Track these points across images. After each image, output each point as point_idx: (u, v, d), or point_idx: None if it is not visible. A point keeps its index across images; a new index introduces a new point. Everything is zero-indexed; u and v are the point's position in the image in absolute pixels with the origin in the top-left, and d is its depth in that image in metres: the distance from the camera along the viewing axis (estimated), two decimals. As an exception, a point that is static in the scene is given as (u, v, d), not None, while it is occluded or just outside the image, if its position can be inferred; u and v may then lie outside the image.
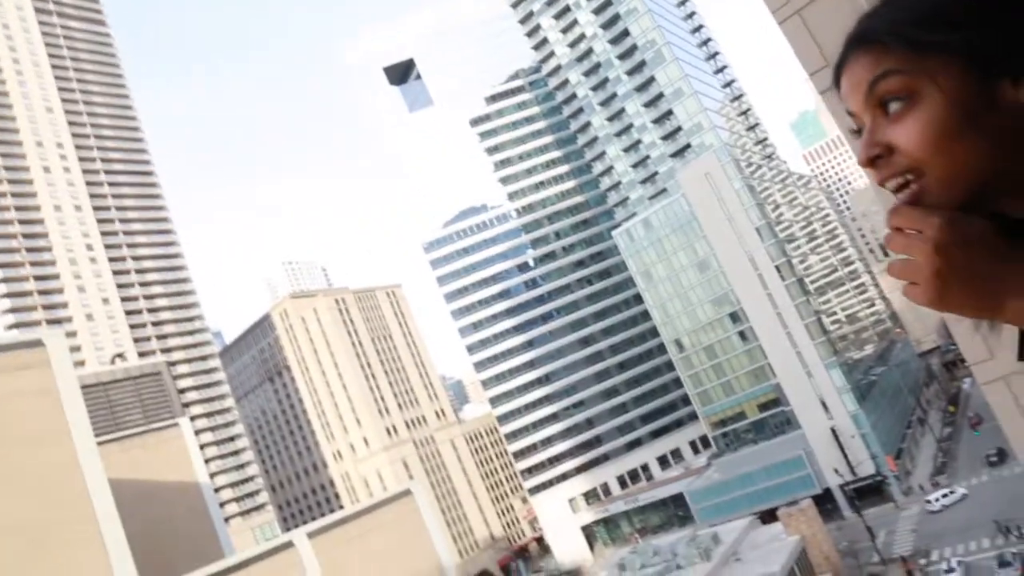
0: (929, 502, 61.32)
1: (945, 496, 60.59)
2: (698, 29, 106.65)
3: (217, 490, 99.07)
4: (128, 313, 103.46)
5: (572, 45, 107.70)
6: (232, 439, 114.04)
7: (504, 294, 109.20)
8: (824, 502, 67.99)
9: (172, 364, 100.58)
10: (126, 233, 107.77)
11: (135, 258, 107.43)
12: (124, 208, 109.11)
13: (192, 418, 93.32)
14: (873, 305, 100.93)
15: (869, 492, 69.45)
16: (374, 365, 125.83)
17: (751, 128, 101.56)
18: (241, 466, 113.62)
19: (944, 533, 55.58)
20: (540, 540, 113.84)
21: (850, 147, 0.94)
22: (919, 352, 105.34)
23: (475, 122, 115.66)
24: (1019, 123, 0.80)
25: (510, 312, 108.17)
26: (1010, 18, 0.82)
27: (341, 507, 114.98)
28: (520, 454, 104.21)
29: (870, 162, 0.87)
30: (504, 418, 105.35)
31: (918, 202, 0.85)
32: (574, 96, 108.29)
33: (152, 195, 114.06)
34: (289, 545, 40.29)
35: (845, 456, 70.97)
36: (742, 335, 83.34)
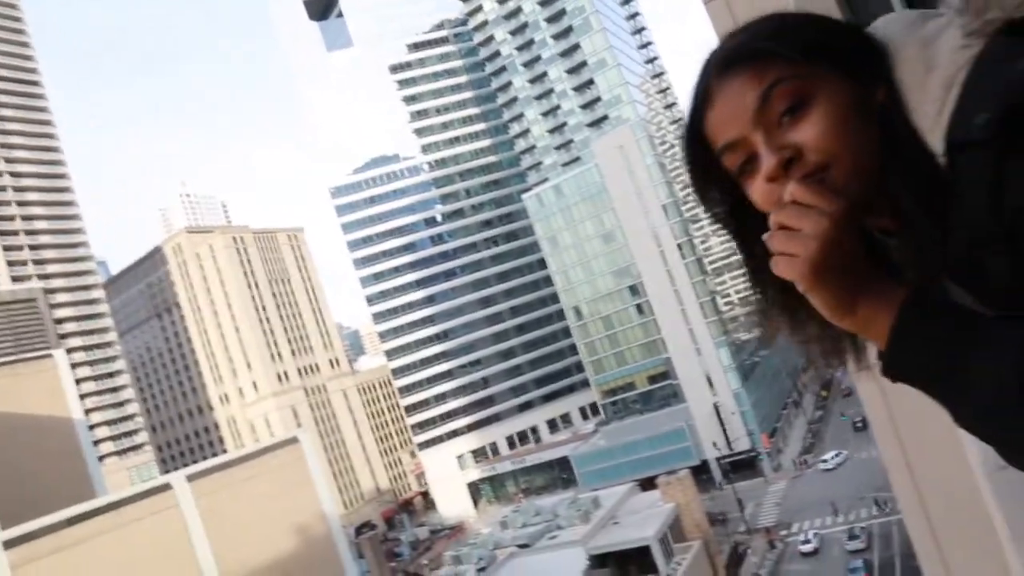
0: (825, 461, 67.23)
1: (836, 456, 66.74)
2: (627, 2, 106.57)
3: (92, 427, 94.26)
4: (2, 233, 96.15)
5: (501, 2, 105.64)
6: (112, 375, 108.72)
7: (409, 247, 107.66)
8: (701, 473, 70.88)
9: (50, 292, 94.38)
10: (4, 146, 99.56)
11: (13, 174, 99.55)
12: (2, 119, 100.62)
13: (69, 350, 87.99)
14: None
15: (743, 466, 72.88)
16: (269, 309, 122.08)
17: (669, 107, 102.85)
18: (120, 404, 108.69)
19: (804, 508, 59.07)
20: (426, 495, 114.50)
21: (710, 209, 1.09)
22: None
23: (395, 69, 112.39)
24: (885, 129, 0.82)
25: (414, 266, 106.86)
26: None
27: (225, 451, 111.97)
28: (412, 408, 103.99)
29: (782, 167, 0.85)
30: (399, 372, 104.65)
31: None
32: (498, 54, 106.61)
33: (37, 107, 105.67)
34: (166, 487, 38.64)
35: (724, 431, 74.11)
36: (639, 308, 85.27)
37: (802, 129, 0.84)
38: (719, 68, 0.90)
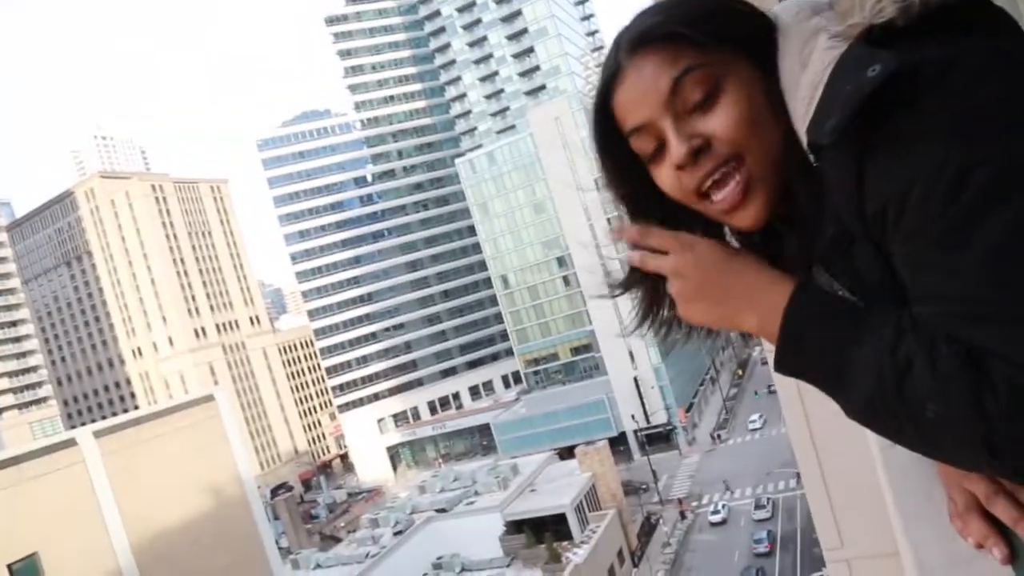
0: (753, 421, 72.14)
1: (760, 419, 71.80)
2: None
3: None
4: None
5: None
6: (15, 324, 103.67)
7: (337, 206, 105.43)
8: (618, 444, 72.46)
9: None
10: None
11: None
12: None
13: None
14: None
15: (659, 439, 74.87)
16: (188, 262, 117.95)
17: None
18: (23, 354, 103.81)
19: (715, 480, 61.27)
20: (344, 457, 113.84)
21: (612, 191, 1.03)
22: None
23: (331, 21, 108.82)
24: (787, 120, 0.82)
25: (340, 225, 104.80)
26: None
27: (136, 408, 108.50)
28: (334, 370, 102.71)
29: (692, 155, 0.85)
30: (321, 332, 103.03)
31: (748, 189, 0.86)
32: (438, 14, 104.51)
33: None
34: (71, 443, 37.00)
35: (643, 404, 75.87)
36: (566, 280, 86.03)
37: (712, 118, 0.83)
38: (631, 47, 0.88)
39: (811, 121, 0.73)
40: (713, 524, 54.54)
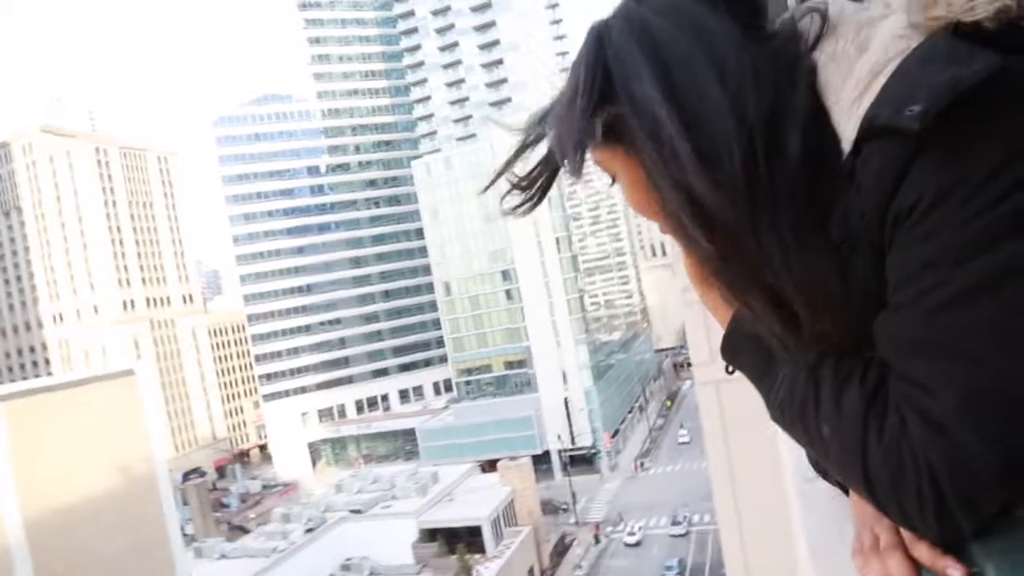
0: (683, 433, 77.55)
1: (685, 433, 77.07)
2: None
3: None
4: None
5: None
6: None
7: (287, 192, 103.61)
8: (541, 462, 72.64)
9: None
10: None
11: None
12: None
13: None
14: (630, 297, 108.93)
15: (581, 461, 75.32)
16: (125, 231, 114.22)
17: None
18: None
19: (633, 508, 61.95)
20: (264, 448, 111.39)
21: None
22: (656, 348, 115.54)
23: (304, 6, 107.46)
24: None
25: (288, 213, 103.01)
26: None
27: (51, 375, 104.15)
28: (263, 358, 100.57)
29: None
30: (255, 318, 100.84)
31: None
32: (412, 14, 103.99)
33: None
34: (-29, 404, 35.35)
35: (570, 425, 76.33)
36: (508, 294, 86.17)
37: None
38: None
39: (878, 105, 0.70)
40: (628, 545, 55.35)
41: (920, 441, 0.64)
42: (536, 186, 1.00)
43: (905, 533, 0.77)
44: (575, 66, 0.85)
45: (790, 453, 1.18)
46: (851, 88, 0.75)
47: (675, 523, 55.40)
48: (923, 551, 0.74)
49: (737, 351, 0.90)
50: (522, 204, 1.01)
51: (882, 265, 0.71)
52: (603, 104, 0.79)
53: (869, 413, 0.68)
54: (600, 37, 0.81)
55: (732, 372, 0.98)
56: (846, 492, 0.92)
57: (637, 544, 55.13)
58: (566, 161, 0.84)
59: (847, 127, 0.74)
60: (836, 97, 0.76)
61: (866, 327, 0.73)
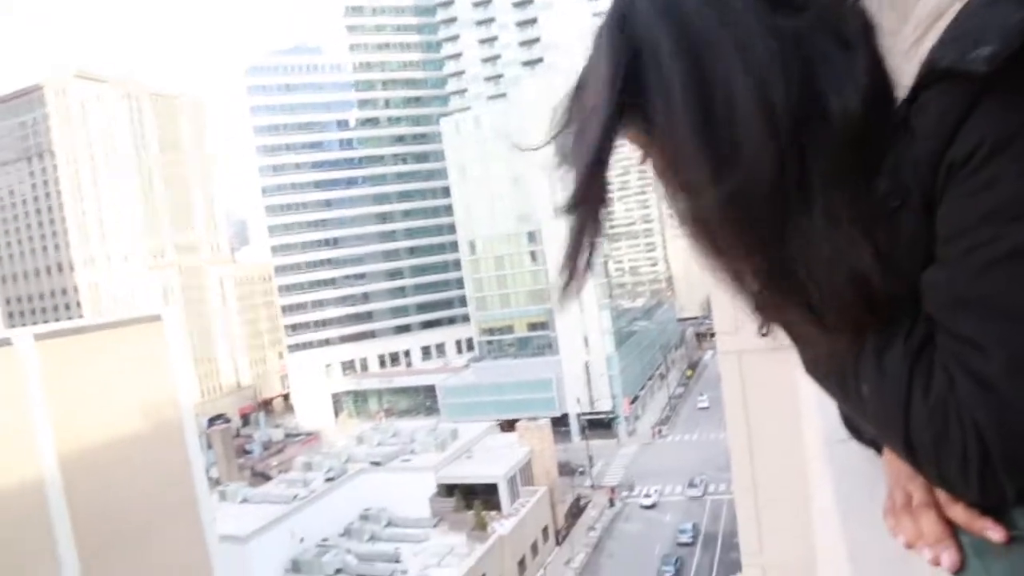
0: (702, 398, 79.51)
1: (704, 399, 78.80)
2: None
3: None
4: None
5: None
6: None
7: (316, 145, 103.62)
8: (559, 425, 73.14)
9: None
10: None
11: None
12: None
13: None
14: (656, 264, 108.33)
15: (600, 425, 75.76)
16: (156, 177, 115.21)
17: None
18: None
19: (647, 474, 62.42)
20: (287, 398, 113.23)
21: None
22: (679, 317, 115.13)
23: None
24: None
25: (316, 166, 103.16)
26: None
27: (81, 317, 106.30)
28: (289, 310, 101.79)
29: None
30: (282, 270, 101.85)
31: None
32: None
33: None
34: (6, 342, 36.14)
35: (590, 389, 76.67)
36: (533, 255, 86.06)
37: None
38: None
39: (941, 46, 0.66)
40: (643, 507, 56.39)
41: (968, 400, 0.62)
42: (580, 262, 0.91)
43: (940, 492, 0.75)
44: (597, 45, 0.80)
45: (819, 414, 1.16)
46: (909, 32, 0.72)
47: (691, 485, 56.93)
48: (958, 511, 0.72)
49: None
50: (570, 283, 0.90)
51: (931, 219, 0.68)
52: (628, 88, 0.74)
53: (914, 371, 0.65)
54: (623, 15, 0.75)
55: (766, 333, 0.92)
56: (879, 451, 0.90)
57: (652, 506, 56.16)
58: (592, 151, 0.80)
59: (904, 72, 0.71)
60: (892, 42, 0.73)
61: (914, 284, 0.70)
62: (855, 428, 0.92)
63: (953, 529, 0.73)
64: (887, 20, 0.74)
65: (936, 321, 0.66)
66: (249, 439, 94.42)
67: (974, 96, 0.62)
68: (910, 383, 0.65)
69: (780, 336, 0.81)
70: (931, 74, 0.66)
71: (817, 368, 0.76)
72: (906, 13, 0.73)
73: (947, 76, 0.64)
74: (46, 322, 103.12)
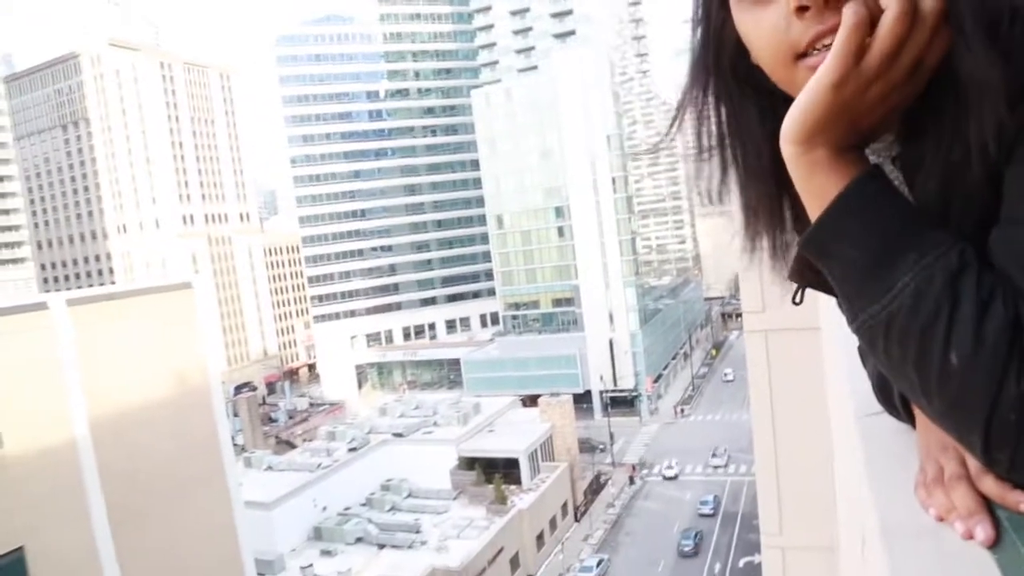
0: (728, 372, 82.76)
1: (729, 372, 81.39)
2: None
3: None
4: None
5: None
6: (1, 180, 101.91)
7: (345, 116, 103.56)
8: (582, 401, 73.28)
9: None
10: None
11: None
12: None
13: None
14: (683, 243, 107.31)
15: (622, 403, 75.74)
16: (187, 147, 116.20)
17: (637, 39, 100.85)
18: (5, 212, 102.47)
19: (668, 453, 62.33)
20: (312, 368, 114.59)
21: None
22: (706, 296, 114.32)
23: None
24: None
25: (345, 136, 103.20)
26: None
27: (113, 283, 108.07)
28: (316, 280, 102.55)
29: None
30: (310, 240, 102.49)
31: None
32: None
33: None
34: (42, 306, 36.80)
35: (613, 367, 76.53)
36: (560, 231, 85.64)
37: None
38: None
39: None
40: (667, 479, 57.53)
41: None
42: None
43: (972, 464, 0.72)
44: None
45: (848, 387, 1.13)
46: None
47: (714, 456, 58.40)
48: (990, 484, 0.69)
49: (838, 239, 0.73)
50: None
51: (999, 168, 0.65)
52: None
53: (1014, 345, 0.59)
54: None
55: (800, 301, 0.87)
56: (913, 423, 0.87)
57: (675, 478, 57.29)
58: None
59: None
60: None
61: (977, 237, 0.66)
62: (888, 400, 0.88)
63: (987, 503, 0.70)
64: None
65: (1013, 284, 0.62)
66: (274, 408, 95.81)
67: None
68: (1008, 358, 0.59)
69: (807, 315, 0.79)
70: (1014, 8, 0.63)
71: (889, 329, 0.67)
72: None
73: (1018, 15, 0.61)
74: (79, 288, 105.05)
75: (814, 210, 0.74)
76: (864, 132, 0.74)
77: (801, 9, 0.71)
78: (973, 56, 0.64)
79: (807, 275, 0.81)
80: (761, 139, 0.82)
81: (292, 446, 69.43)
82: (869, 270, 0.69)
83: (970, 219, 0.69)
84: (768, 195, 0.87)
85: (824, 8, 0.70)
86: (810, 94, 0.70)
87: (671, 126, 0.90)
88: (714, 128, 0.89)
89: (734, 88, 0.86)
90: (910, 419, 0.86)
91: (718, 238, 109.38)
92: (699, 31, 0.87)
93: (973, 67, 0.65)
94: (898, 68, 0.68)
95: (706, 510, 50.05)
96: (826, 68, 0.69)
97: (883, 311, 0.67)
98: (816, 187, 0.74)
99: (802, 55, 0.74)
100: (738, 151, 0.88)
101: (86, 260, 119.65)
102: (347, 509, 49.73)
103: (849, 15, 0.67)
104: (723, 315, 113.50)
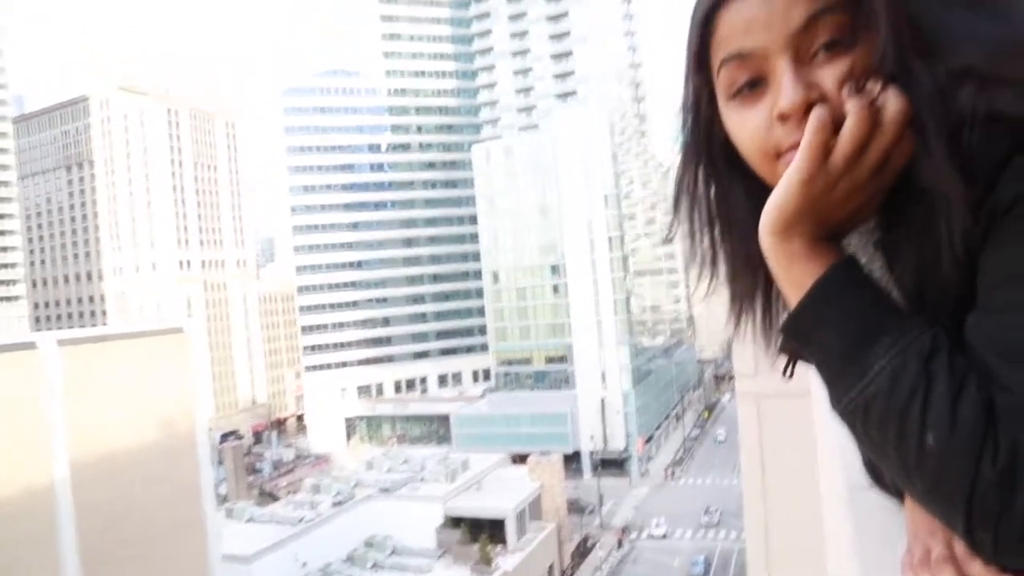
0: (720, 432, 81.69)
1: (722, 433, 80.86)
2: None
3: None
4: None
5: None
6: (1, 217, 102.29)
7: (347, 167, 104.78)
8: (572, 461, 72.26)
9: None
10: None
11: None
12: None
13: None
14: (678, 303, 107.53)
15: (613, 464, 74.66)
16: (188, 191, 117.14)
17: (637, 100, 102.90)
18: (3, 249, 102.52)
19: (659, 515, 61.20)
20: (300, 418, 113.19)
21: (686, 115, 0.90)
22: (699, 358, 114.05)
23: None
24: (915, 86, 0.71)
25: (346, 188, 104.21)
26: None
27: (106, 325, 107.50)
28: (309, 329, 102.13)
29: (804, 108, 0.74)
30: (305, 289, 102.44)
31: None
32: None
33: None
34: (31, 345, 36.50)
35: (604, 427, 75.76)
36: (555, 288, 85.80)
37: (835, 73, 0.74)
38: None
39: (990, 83, 0.66)
40: (653, 537, 57.22)
41: None
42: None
43: (959, 548, 0.72)
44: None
45: (840, 459, 1.12)
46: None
47: (706, 513, 58.23)
48: (977, 568, 0.69)
49: (815, 327, 0.75)
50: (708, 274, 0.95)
51: (968, 259, 0.67)
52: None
53: (988, 428, 0.60)
54: None
55: (790, 376, 0.89)
56: (901, 500, 0.87)
57: (664, 536, 56.96)
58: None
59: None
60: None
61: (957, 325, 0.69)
62: (878, 476, 0.89)
63: None
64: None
65: (987, 370, 0.63)
66: (260, 457, 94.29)
67: (1020, 137, 0.63)
68: (984, 440, 0.60)
69: (800, 382, 0.78)
70: (975, 116, 0.65)
71: (867, 411, 0.68)
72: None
73: (991, 119, 0.64)
74: (70, 327, 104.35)
75: (793, 298, 0.77)
76: (839, 223, 0.77)
77: (783, 117, 0.76)
78: (935, 166, 0.68)
79: (796, 350, 0.84)
80: (748, 222, 0.83)
81: (275, 498, 68.10)
82: (847, 355, 0.71)
83: (945, 305, 0.71)
84: (755, 275, 0.90)
85: (803, 117, 0.74)
86: (782, 190, 0.75)
87: (673, 218, 0.95)
88: (705, 210, 0.92)
89: (724, 174, 0.89)
90: (900, 497, 0.87)
91: (712, 300, 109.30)
92: (690, 120, 0.90)
93: (935, 178, 0.68)
94: (863, 167, 0.72)
95: (696, 571, 49.35)
96: (795, 166, 0.73)
97: (861, 395, 0.69)
98: (794, 276, 0.77)
99: (783, 152, 0.78)
100: (727, 233, 0.92)
101: (80, 301, 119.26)
102: (328, 565, 48.44)
103: (814, 118, 0.71)
104: (716, 377, 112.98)
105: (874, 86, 0.71)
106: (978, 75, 0.66)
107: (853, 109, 0.70)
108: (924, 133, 0.69)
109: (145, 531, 36.36)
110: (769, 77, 0.78)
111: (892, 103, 0.70)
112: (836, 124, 0.71)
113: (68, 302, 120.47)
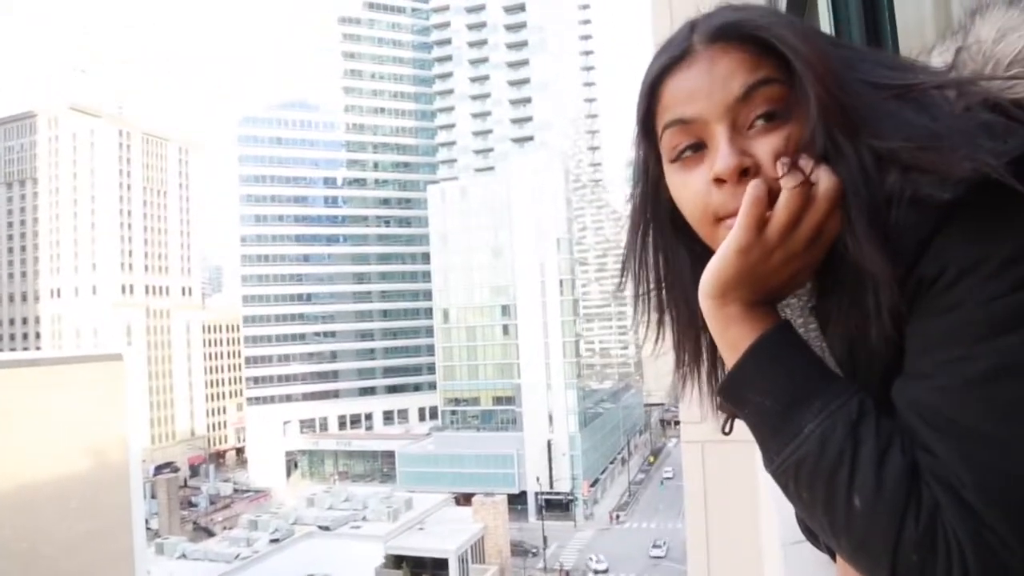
0: (668, 470, 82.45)
1: (670, 471, 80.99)
2: (587, 37, 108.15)
3: None
4: None
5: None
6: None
7: (300, 200, 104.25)
8: (516, 502, 71.81)
9: None
10: None
11: None
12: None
13: None
14: (626, 348, 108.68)
15: (557, 506, 74.47)
16: (135, 216, 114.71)
17: (593, 148, 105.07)
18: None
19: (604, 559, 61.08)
20: (240, 452, 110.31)
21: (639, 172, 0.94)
22: (646, 403, 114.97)
23: (344, 20, 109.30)
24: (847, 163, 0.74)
25: (299, 220, 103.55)
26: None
27: (39, 349, 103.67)
28: (253, 361, 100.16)
29: (739, 174, 0.76)
30: (251, 320, 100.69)
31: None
32: (449, 42, 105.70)
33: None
34: (-48, 366, 35.09)
35: (550, 469, 75.60)
36: (505, 329, 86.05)
37: (772, 143, 0.77)
38: (712, 35, 0.80)
39: (912, 164, 0.68)
40: (596, 573, 57.56)
41: (954, 524, 0.61)
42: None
43: None
44: None
45: (777, 514, 1.11)
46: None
47: (656, 546, 59.08)
48: None
49: (749, 389, 0.79)
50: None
51: (897, 329, 0.70)
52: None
53: (911, 490, 0.64)
54: None
55: (729, 431, 0.92)
56: (833, 557, 0.89)
57: (605, 572, 57.34)
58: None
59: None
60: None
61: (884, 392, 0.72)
62: (811, 532, 0.90)
63: None
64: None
65: (912, 433, 0.67)
66: (196, 491, 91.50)
67: (940, 218, 0.65)
68: (907, 502, 0.63)
69: (744, 429, 0.80)
70: (901, 197, 0.68)
71: (797, 473, 0.72)
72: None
73: (916, 202, 0.67)
74: (1, 351, 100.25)
75: (729, 360, 0.80)
76: (776, 289, 0.80)
77: (718, 181, 0.78)
78: (859, 244, 0.70)
79: (731, 411, 0.86)
80: (692, 286, 0.86)
81: (211, 533, 66.08)
82: (779, 417, 0.74)
83: (875, 369, 0.74)
84: (699, 337, 0.93)
85: (738, 182, 0.77)
86: (720, 257, 0.78)
87: (621, 278, 0.98)
88: (652, 272, 0.95)
89: (670, 237, 0.91)
90: (831, 552, 0.88)
91: (660, 346, 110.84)
92: (639, 184, 0.92)
93: (859, 256, 0.71)
94: (797, 239, 0.75)
95: None
96: (732, 235, 0.76)
97: (792, 456, 0.72)
98: (730, 339, 0.80)
99: (722, 218, 0.80)
100: (671, 295, 0.94)
101: (12, 322, 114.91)
102: (262, 605, 46.97)
103: (750, 192, 0.74)
104: (662, 422, 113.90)
105: (807, 163, 0.74)
106: (901, 162, 0.69)
107: (786, 186, 0.73)
108: (849, 212, 0.72)
109: (69, 567, 34.92)
110: (709, 142, 0.80)
111: (824, 181, 0.73)
112: (772, 196, 0.74)
113: (0, 323, 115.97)
